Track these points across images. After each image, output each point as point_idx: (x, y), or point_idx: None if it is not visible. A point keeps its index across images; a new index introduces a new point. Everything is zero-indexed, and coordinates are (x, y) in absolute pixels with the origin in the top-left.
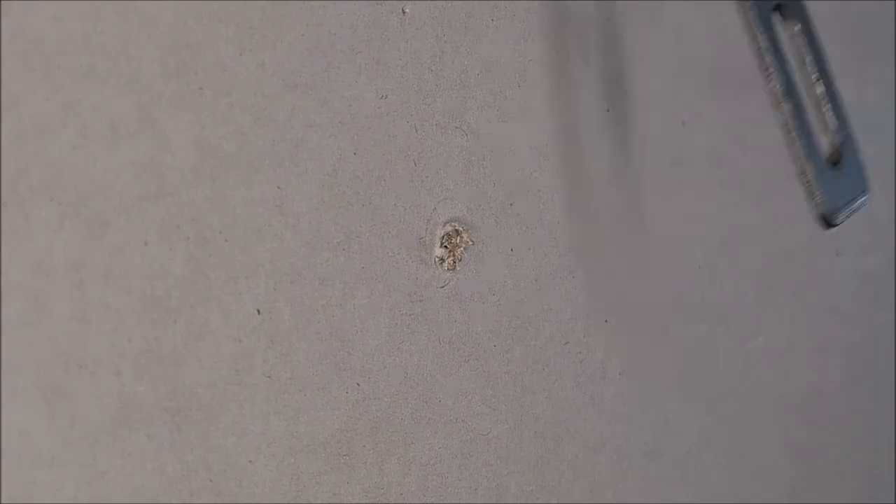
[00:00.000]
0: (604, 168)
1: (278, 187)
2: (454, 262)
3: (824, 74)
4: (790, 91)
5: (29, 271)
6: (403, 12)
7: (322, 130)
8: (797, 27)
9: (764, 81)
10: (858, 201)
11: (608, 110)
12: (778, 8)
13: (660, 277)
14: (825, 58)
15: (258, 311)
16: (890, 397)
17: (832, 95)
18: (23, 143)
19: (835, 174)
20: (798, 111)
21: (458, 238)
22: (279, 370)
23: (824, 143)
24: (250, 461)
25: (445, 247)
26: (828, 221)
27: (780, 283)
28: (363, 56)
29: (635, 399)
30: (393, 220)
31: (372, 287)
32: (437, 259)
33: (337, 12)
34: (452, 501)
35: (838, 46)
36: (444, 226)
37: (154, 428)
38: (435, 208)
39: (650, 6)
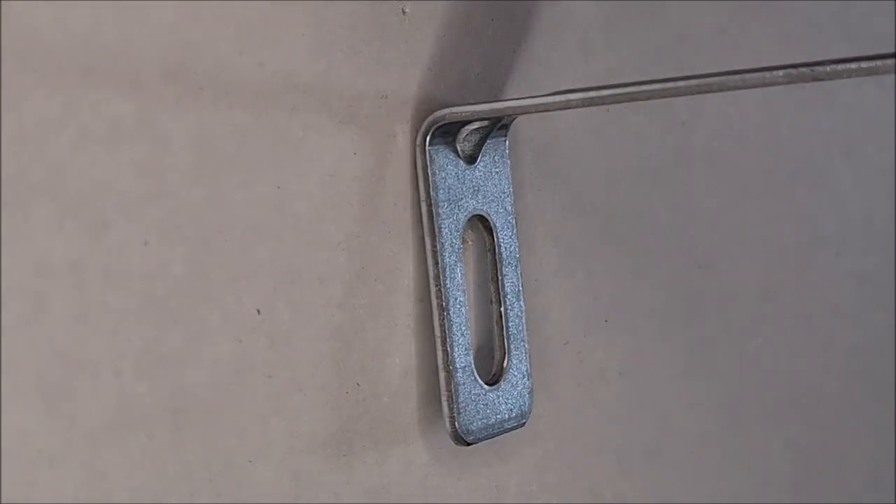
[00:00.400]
0: (604, 168)
1: (278, 187)
2: None
3: (507, 294)
4: (458, 305)
5: (29, 271)
6: (403, 12)
7: (322, 130)
8: (491, 242)
9: (432, 287)
10: (507, 426)
11: (608, 111)
12: (479, 216)
13: (660, 277)
14: (516, 275)
15: (258, 310)
16: (890, 397)
17: (511, 317)
18: (23, 143)
19: (487, 395)
20: (459, 326)
21: None
22: (279, 370)
23: (493, 362)
24: (250, 461)
25: None
26: (458, 440)
27: (780, 283)
28: (363, 56)
29: (635, 399)
30: (393, 220)
31: (372, 287)
32: None
33: (337, 12)
34: (453, 501)
35: (839, 46)
36: None
37: (154, 428)
38: None
39: (650, 6)
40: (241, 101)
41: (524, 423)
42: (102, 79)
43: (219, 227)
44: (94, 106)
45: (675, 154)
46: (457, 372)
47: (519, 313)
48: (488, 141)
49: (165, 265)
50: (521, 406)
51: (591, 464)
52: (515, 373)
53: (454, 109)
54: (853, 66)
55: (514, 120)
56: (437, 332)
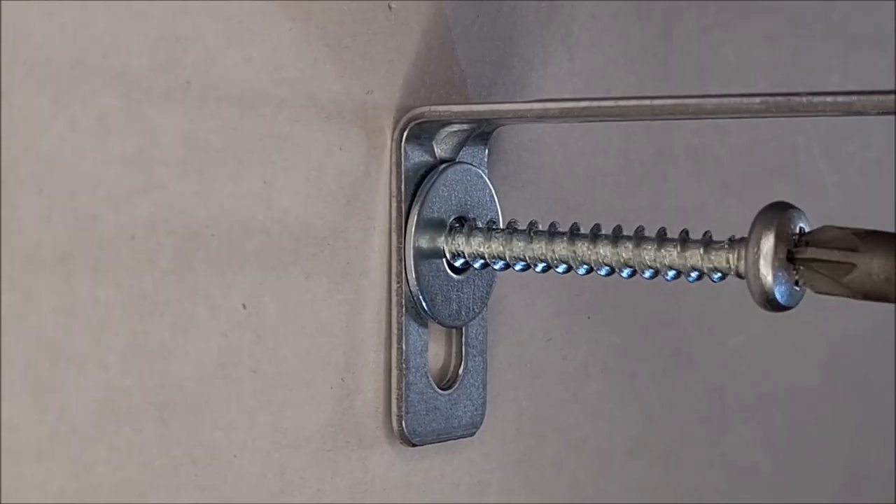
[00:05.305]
0: (600, 167)
1: (265, 182)
2: None
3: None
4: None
5: (17, 265)
6: (390, 8)
7: (308, 125)
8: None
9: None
10: (455, 433)
11: None
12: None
13: None
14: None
15: (244, 305)
16: (871, 394)
17: (471, 325)
18: (11, 136)
19: (438, 398)
20: (416, 326)
21: None
22: (265, 365)
23: (449, 367)
24: (236, 456)
25: None
26: (404, 439)
27: None
28: (349, 51)
29: (617, 396)
30: (379, 215)
31: (357, 282)
32: None
33: (324, 7)
34: (435, 499)
35: (822, 44)
36: None
37: (141, 422)
38: None
39: (635, 4)
40: (228, 95)
41: (474, 433)
42: (91, 72)
43: (206, 221)
44: (83, 99)
45: (659, 152)
46: (409, 371)
47: (481, 321)
48: (468, 148)
49: (153, 259)
50: (472, 415)
51: (573, 460)
52: (472, 381)
53: (433, 108)
54: (829, 99)
55: (493, 130)
56: (395, 330)
